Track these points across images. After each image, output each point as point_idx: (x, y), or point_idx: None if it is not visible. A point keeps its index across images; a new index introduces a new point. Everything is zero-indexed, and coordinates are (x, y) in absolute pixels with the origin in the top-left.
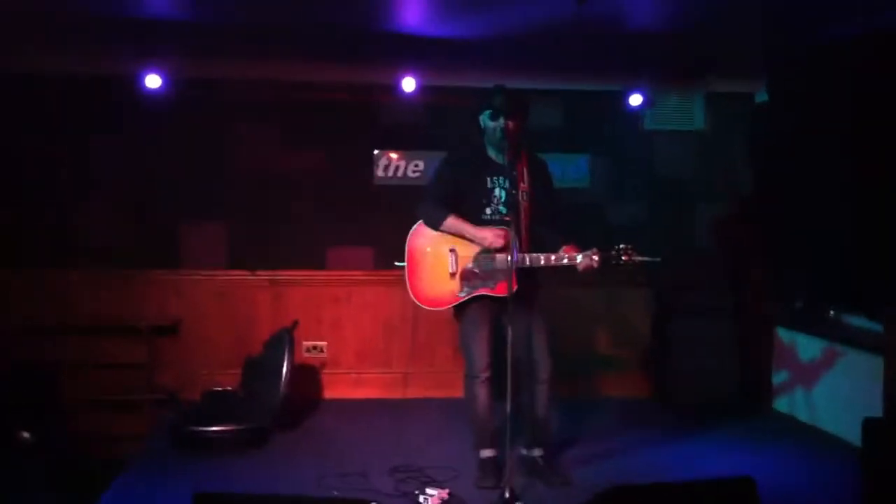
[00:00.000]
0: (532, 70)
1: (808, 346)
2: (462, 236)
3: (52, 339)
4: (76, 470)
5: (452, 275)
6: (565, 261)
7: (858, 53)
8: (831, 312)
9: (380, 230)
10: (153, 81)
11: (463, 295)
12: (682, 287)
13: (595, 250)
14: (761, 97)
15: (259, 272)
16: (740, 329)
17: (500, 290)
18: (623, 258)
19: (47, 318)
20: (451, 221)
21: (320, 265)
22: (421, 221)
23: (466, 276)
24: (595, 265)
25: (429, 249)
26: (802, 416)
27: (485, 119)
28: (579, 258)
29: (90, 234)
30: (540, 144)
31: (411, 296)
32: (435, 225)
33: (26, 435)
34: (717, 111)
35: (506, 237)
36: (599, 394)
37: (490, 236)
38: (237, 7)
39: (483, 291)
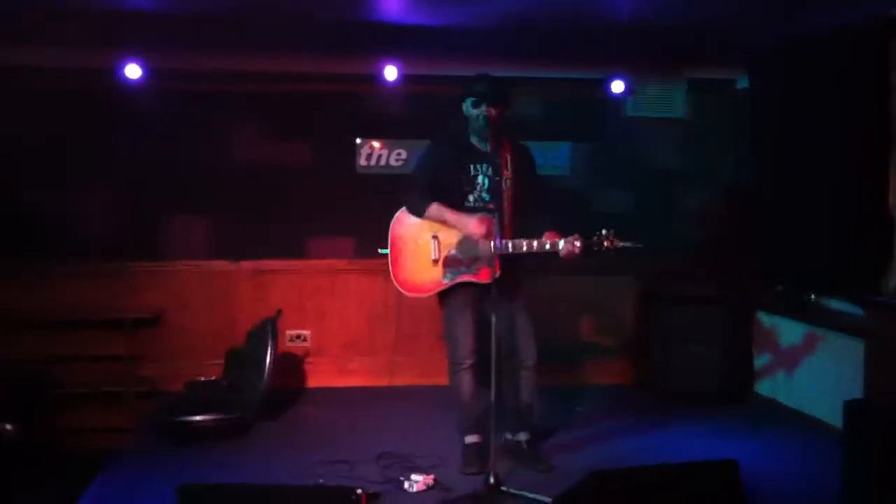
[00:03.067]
0: (513, 58)
1: (789, 331)
2: (445, 223)
3: (32, 332)
4: (60, 462)
5: (435, 262)
6: (548, 247)
7: (838, 41)
8: (812, 296)
9: (363, 219)
10: (133, 71)
11: (446, 281)
12: (666, 274)
13: (576, 236)
14: (742, 84)
15: (241, 262)
16: (724, 315)
17: (482, 277)
18: (605, 244)
19: (27, 310)
20: (435, 209)
21: (301, 254)
22: (404, 209)
23: (449, 263)
24: (577, 251)
25: (411, 236)
26: (784, 399)
27: (467, 106)
28: (561, 244)
29: (70, 225)
30: (521, 132)
31: (395, 283)
32: (418, 213)
33: (8, 427)
34: (699, 98)
35: (488, 225)
36: (584, 381)
37: (473, 223)
38: None
39: (466, 278)
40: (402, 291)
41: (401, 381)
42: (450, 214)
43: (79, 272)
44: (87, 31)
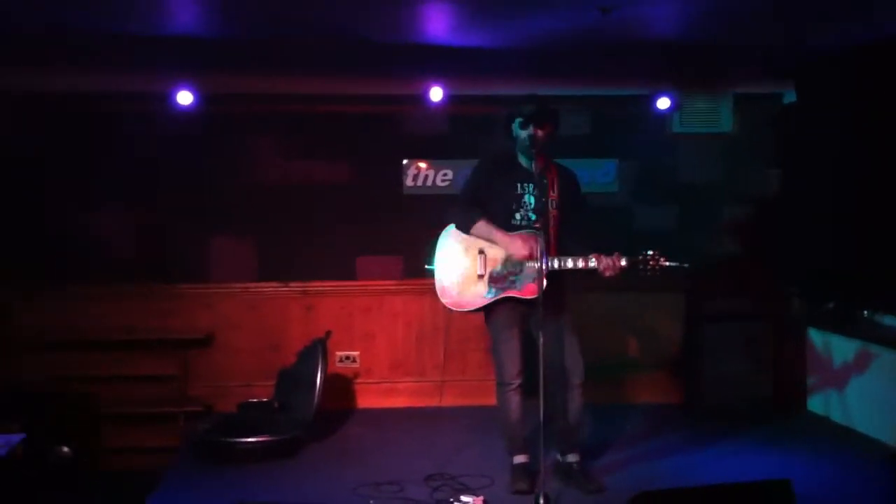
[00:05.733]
0: (558, 77)
1: (841, 348)
2: (491, 241)
3: (85, 355)
4: (112, 483)
5: (480, 276)
6: (592, 263)
7: (886, 53)
8: (865, 313)
9: (410, 239)
10: (185, 98)
11: (490, 297)
12: (713, 291)
13: (617, 254)
14: (790, 98)
15: (291, 283)
16: (772, 332)
17: (527, 293)
18: (650, 263)
19: (80, 333)
20: (482, 225)
21: (350, 275)
22: (452, 225)
23: (494, 279)
24: (619, 268)
25: (458, 251)
26: (837, 416)
27: (515, 127)
28: (604, 261)
29: (121, 248)
30: (568, 150)
31: (439, 297)
32: (466, 228)
33: (66, 450)
34: (746, 113)
35: (532, 248)
36: (631, 399)
37: (518, 244)
38: (264, 22)
39: (510, 293)
40: (446, 305)
41: (449, 401)
42: (497, 233)
43: (131, 294)
44: (134, 55)
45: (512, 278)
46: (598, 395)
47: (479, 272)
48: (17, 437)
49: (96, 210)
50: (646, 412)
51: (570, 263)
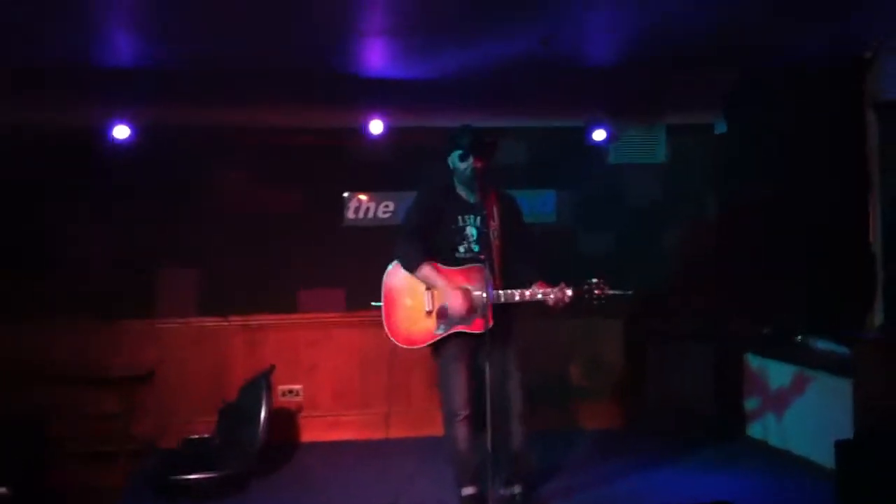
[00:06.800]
0: (497, 109)
1: (778, 372)
2: (435, 287)
3: (27, 390)
4: None
5: (429, 313)
6: (539, 296)
7: (813, 82)
8: (799, 337)
9: (352, 272)
10: (121, 132)
11: (440, 332)
12: (654, 316)
13: (563, 285)
14: (721, 129)
15: (232, 318)
16: (713, 356)
17: (476, 327)
18: (595, 292)
19: (22, 368)
20: (427, 271)
21: (292, 308)
22: (397, 261)
23: (443, 314)
24: (567, 300)
25: (405, 288)
26: (775, 440)
27: (454, 160)
28: (552, 294)
29: (64, 282)
30: (507, 181)
31: (388, 335)
32: (410, 269)
33: (3, 490)
34: (679, 143)
35: (470, 304)
36: (576, 425)
37: (458, 301)
38: (204, 54)
39: (460, 328)
40: (396, 343)
41: (395, 433)
42: (440, 280)
43: (73, 330)
44: (77, 89)
45: None
46: (543, 421)
47: (427, 308)
48: None
49: (39, 244)
50: (592, 438)
51: (517, 297)
